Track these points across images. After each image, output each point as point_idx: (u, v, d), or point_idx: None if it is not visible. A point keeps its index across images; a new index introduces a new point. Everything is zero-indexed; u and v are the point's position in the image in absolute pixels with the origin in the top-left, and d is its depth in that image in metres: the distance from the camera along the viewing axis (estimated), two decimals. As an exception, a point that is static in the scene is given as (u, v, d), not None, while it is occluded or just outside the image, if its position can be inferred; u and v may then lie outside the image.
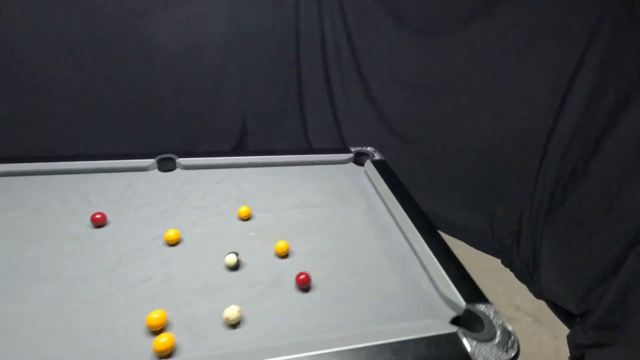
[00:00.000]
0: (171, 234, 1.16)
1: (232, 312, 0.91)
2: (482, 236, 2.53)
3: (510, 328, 0.93)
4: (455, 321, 0.99)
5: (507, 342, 0.89)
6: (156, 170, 1.56)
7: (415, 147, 2.76)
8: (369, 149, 1.79)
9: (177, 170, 1.57)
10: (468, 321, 0.97)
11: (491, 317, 0.96)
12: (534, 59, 2.11)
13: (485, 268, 2.34)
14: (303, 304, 1.00)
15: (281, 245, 1.15)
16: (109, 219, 1.25)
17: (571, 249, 2.00)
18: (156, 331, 0.88)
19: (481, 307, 0.98)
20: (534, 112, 2.17)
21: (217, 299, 0.98)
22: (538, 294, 2.12)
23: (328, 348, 0.83)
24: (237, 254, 1.09)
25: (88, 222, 1.22)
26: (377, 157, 1.74)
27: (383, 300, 1.04)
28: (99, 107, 2.72)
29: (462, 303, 1.00)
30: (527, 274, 2.21)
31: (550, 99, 2.08)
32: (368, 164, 1.68)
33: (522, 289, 2.16)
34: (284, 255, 1.16)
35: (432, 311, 1.02)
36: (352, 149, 1.78)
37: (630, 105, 1.71)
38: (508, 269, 2.35)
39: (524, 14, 2.07)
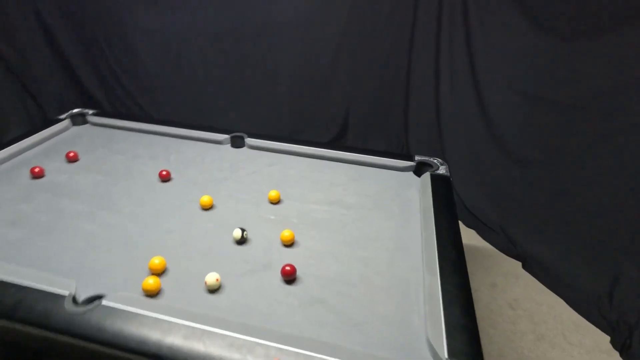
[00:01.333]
0: (205, 199, 1.32)
1: (211, 279, 1.00)
2: (593, 301, 1.97)
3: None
4: (428, 371, 0.84)
5: None
6: (229, 146, 1.77)
7: (526, 171, 2.31)
8: (435, 160, 1.61)
9: (245, 148, 1.75)
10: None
11: (469, 383, 0.78)
12: None
13: (587, 343, 1.82)
14: (280, 293, 1.02)
15: (286, 233, 1.17)
16: (172, 176, 1.50)
17: None
18: (153, 273, 1.05)
19: (462, 367, 0.81)
20: None
21: (211, 264, 1.09)
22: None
23: (286, 344, 0.83)
24: (243, 230, 1.17)
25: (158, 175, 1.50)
26: (442, 171, 1.55)
27: (364, 318, 0.95)
28: (231, 87, 3.20)
29: (444, 355, 0.84)
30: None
31: None
32: (425, 176, 1.52)
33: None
34: (288, 244, 1.18)
35: (408, 351, 0.89)
36: (416, 157, 1.64)
37: None
38: (618, 353, 1.78)
39: None
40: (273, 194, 1.36)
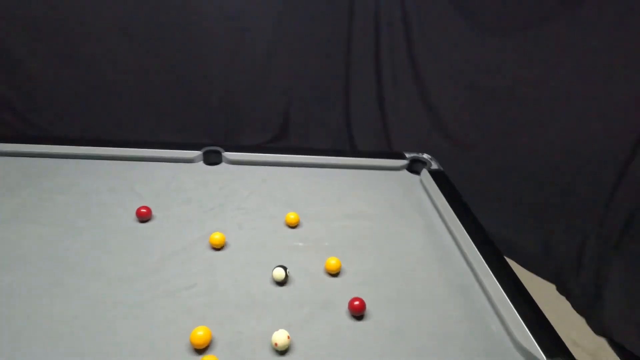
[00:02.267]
0: (216, 237, 1.09)
1: (281, 338, 0.82)
2: (536, 257, 2.32)
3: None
4: (531, 376, 0.85)
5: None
6: (202, 163, 1.50)
7: (470, 153, 2.56)
8: (425, 156, 1.64)
9: (223, 164, 1.51)
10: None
11: (578, 379, 0.81)
12: (620, 65, 1.85)
13: (537, 293, 2.13)
14: (355, 333, 0.90)
15: (333, 262, 1.05)
16: (153, 213, 1.20)
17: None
18: (199, 349, 0.82)
19: (565, 364, 0.84)
20: (616, 124, 1.92)
21: (264, 318, 0.90)
22: (598, 330, 1.91)
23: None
24: (285, 269, 1.00)
25: (134, 214, 1.17)
26: (434, 166, 1.59)
27: (445, 339, 0.91)
28: (148, 87, 2.72)
29: (542, 357, 0.86)
30: (587, 306, 2.00)
31: (636, 114, 1.83)
32: (425, 173, 1.54)
33: (580, 322, 1.96)
34: (335, 274, 1.06)
35: (502, 358, 0.88)
36: (407, 155, 1.64)
37: None
38: (564, 297, 2.14)
39: (610, 15, 1.81)
40: (292, 216, 1.20)
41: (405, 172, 1.61)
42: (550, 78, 2.12)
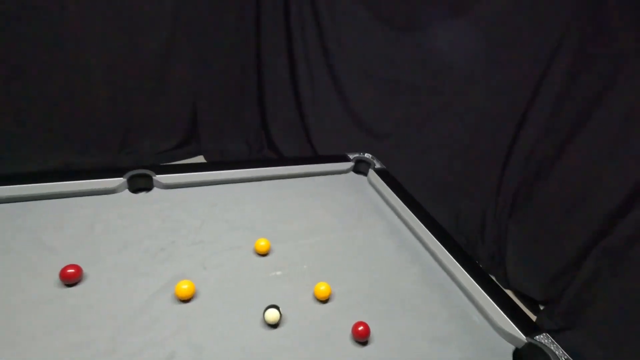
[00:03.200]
0: (184, 287, 0.90)
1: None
2: (449, 230, 2.64)
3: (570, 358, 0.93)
4: (515, 356, 0.96)
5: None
6: (127, 192, 1.23)
7: (384, 143, 2.72)
8: (367, 155, 1.67)
9: (155, 190, 1.26)
10: (531, 355, 0.95)
11: (554, 349, 0.94)
12: (505, 61, 2.18)
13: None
14: (366, 359, 0.87)
15: (323, 288, 0.98)
16: (83, 271, 0.92)
17: (536, 244, 2.18)
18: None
19: (541, 339, 0.96)
20: (503, 112, 2.27)
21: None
22: (505, 285, 2.29)
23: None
24: (277, 308, 0.89)
25: (55, 279, 0.89)
26: (377, 165, 1.63)
27: (443, 344, 0.95)
28: (13, 99, 2.09)
29: (522, 337, 0.97)
30: (494, 267, 2.37)
31: (518, 99, 2.19)
32: (372, 173, 1.56)
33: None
34: (326, 300, 0.99)
35: (490, 348, 0.97)
36: (351, 156, 1.64)
37: (596, 110, 1.86)
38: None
39: (499, 14, 2.11)
40: (262, 243, 1.08)
41: (352, 174, 1.61)
42: (447, 71, 2.38)
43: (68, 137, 2.29)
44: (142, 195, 1.23)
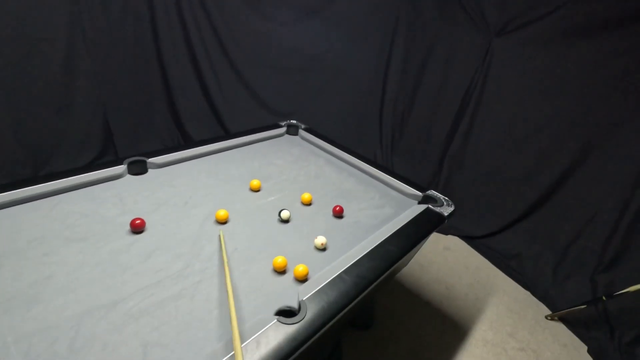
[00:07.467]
0: (221, 213, 1.31)
1: (321, 239, 1.26)
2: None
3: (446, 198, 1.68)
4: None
5: (450, 203, 1.63)
6: (128, 176, 1.50)
7: (287, 120, 3.27)
8: (293, 121, 2.20)
9: (151, 171, 1.56)
10: (429, 201, 1.66)
11: (439, 195, 1.67)
12: (363, 45, 2.98)
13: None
14: (335, 226, 1.44)
15: (306, 196, 1.50)
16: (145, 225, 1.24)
17: (408, 164, 3.10)
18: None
19: (430, 192, 1.69)
20: (371, 81, 3.08)
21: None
22: (449, 232, 3.13)
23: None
24: (281, 210, 1.38)
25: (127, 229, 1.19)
26: (303, 126, 2.19)
27: (379, 208, 1.59)
28: None
29: (419, 193, 1.68)
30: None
31: (379, 71, 3.03)
32: (302, 132, 2.11)
33: (443, 228, 3.15)
34: (309, 204, 1.52)
35: (405, 203, 1.65)
36: (282, 123, 2.16)
37: (425, 74, 2.81)
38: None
39: (349, 14, 2.88)
40: (255, 182, 1.53)
41: (287, 136, 2.13)
42: (326, 56, 3.06)
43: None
44: (142, 176, 1.52)
